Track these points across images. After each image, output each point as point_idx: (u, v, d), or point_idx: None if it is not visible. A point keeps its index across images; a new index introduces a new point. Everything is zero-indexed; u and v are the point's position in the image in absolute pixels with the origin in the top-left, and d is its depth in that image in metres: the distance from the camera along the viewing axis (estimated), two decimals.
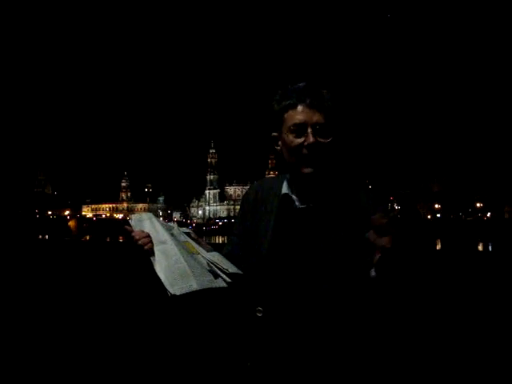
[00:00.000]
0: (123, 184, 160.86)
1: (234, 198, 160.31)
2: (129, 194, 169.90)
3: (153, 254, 1.62)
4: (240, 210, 1.84)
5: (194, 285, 1.56)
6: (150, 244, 1.62)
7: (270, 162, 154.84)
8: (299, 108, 1.60)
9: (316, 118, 1.59)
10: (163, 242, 1.64)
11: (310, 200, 1.66)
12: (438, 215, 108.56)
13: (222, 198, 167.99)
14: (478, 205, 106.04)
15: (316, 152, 1.59)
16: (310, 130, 1.59)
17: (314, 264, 1.58)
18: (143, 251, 1.61)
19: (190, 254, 1.66)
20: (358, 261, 1.55)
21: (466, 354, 5.15)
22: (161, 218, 1.79)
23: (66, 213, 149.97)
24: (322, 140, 1.60)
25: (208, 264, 1.66)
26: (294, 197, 1.68)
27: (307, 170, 1.61)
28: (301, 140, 1.59)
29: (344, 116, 1.69)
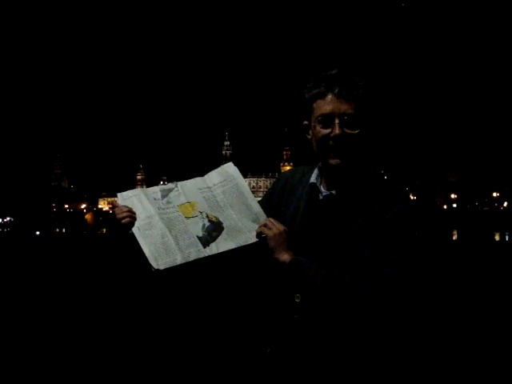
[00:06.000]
0: (139, 177, 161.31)
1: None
2: (144, 187, 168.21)
3: (134, 228, 1.65)
4: (271, 187, 1.86)
5: (178, 258, 1.59)
6: (128, 219, 1.64)
7: (284, 153, 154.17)
8: (327, 98, 1.56)
9: (344, 108, 1.54)
10: (149, 217, 1.67)
11: (335, 189, 1.64)
12: (455, 205, 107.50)
13: None
14: (494, 194, 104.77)
15: (342, 144, 1.56)
16: (337, 121, 1.55)
17: (332, 251, 1.57)
18: (120, 225, 1.64)
19: (182, 221, 1.69)
20: (357, 257, 1.52)
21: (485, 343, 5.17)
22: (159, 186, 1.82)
23: (83, 206, 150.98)
24: (349, 131, 1.55)
25: (204, 227, 1.69)
26: (320, 186, 1.68)
27: (333, 162, 1.58)
28: (328, 131, 1.56)
29: (377, 105, 1.62)
